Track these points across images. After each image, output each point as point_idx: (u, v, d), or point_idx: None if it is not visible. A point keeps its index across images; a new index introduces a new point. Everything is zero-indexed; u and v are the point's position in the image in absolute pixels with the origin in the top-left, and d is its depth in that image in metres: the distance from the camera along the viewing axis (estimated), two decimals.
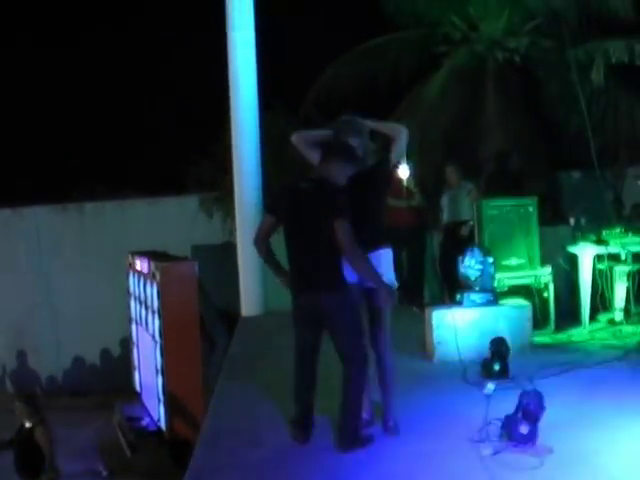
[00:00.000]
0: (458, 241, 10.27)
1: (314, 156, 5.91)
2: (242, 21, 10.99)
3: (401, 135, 5.96)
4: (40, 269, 15.52)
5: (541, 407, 5.42)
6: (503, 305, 8.41)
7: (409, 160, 8.80)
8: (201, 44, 15.68)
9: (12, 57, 19.77)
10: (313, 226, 5.55)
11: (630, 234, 9.30)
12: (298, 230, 5.65)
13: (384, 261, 5.87)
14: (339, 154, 5.68)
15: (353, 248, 5.46)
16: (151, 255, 11.10)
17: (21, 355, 15.56)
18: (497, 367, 7.19)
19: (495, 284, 8.54)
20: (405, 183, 10.03)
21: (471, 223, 10.10)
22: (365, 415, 5.95)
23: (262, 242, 5.84)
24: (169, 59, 18.79)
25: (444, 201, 11.01)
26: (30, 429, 9.24)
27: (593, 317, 9.32)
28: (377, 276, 5.59)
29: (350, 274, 5.67)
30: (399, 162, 6.24)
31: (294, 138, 6.08)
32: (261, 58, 11.15)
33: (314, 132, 6.15)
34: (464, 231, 10.49)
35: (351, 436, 5.62)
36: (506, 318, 8.20)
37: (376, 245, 5.85)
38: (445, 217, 11.00)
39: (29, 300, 15.49)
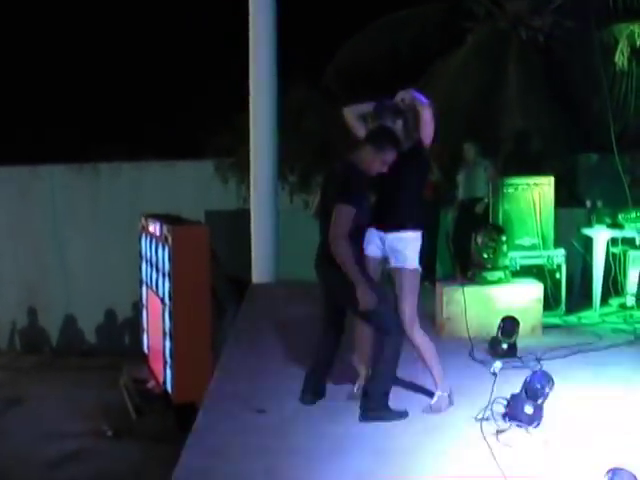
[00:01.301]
0: (472, 218, 10.23)
1: (362, 132, 5.96)
2: None
3: (424, 110, 5.87)
4: (54, 229, 15.56)
5: (547, 388, 5.40)
6: (514, 284, 8.39)
7: None
8: (224, 14, 15.59)
9: (34, 18, 19.72)
10: (330, 206, 5.58)
11: None
12: (322, 207, 5.78)
13: (409, 244, 5.87)
14: (372, 141, 5.66)
15: (337, 236, 5.45)
16: (164, 218, 11.11)
17: (32, 313, 15.63)
18: (505, 346, 7.18)
19: (507, 263, 8.52)
20: None
21: (486, 200, 10.06)
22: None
23: (316, 216, 6.08)
24: (193, 27, 18.68)
25: (460, 177, 10.96)
26: None
27: (604, 301, 9.29)
28: (355, 273, 5.47)
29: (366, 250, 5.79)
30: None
31: (345, 111, 6.10)
32: (281, 30, 11.08)
33: (362, 105, 6.09)
34: (479, 208, 10.44)
35: (374, 405, 5.63)
36: (517, 297, 8.16)
37: (400, 227, 5.86)
38: (460, 193, 10.96)
39: (42, 259, 15.54)
